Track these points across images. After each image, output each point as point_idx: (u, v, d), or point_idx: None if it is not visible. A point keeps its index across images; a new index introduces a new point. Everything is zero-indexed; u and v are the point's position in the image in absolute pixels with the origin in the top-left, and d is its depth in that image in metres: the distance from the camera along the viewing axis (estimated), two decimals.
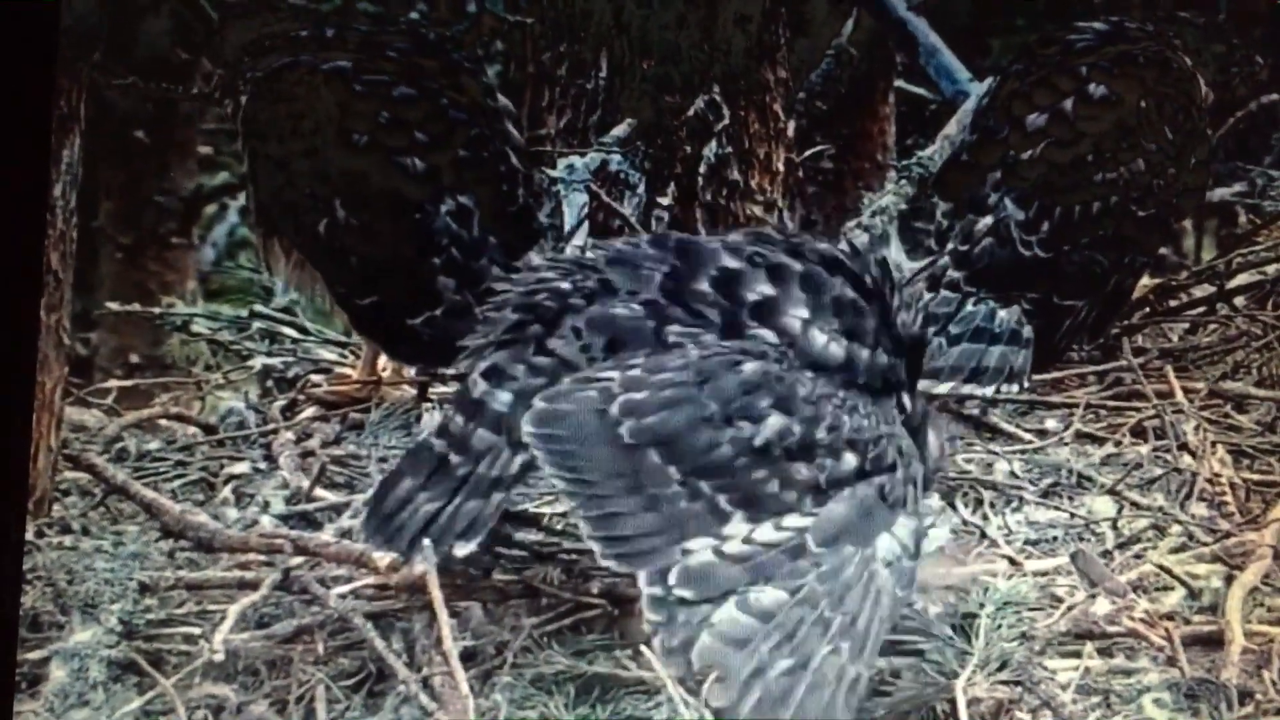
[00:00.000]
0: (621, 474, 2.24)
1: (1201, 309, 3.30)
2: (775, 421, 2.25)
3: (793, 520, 2.24)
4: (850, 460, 2.28)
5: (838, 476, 2.27)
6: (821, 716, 2.15)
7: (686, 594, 2.18)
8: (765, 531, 2.23)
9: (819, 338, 2.33)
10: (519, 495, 2.58)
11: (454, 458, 2.35)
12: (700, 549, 2.22)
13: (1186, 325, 3.28)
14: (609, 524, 2.24)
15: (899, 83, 3.71)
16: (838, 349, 2.33)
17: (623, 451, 2.24)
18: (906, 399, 2.41)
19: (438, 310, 2.88)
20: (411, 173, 2.88)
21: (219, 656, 2.31)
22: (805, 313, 2.33)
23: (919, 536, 2.30)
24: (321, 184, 2.88)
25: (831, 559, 2.22)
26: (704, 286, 2.34)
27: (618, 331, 2.33)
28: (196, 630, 2.40)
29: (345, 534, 2.58)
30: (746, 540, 2.22)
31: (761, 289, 2.34)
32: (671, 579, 2.19)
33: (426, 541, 2.33)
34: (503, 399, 2.34)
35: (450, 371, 2.92)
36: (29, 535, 2.55)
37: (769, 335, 2.32)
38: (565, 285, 2.37)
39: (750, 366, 2.28)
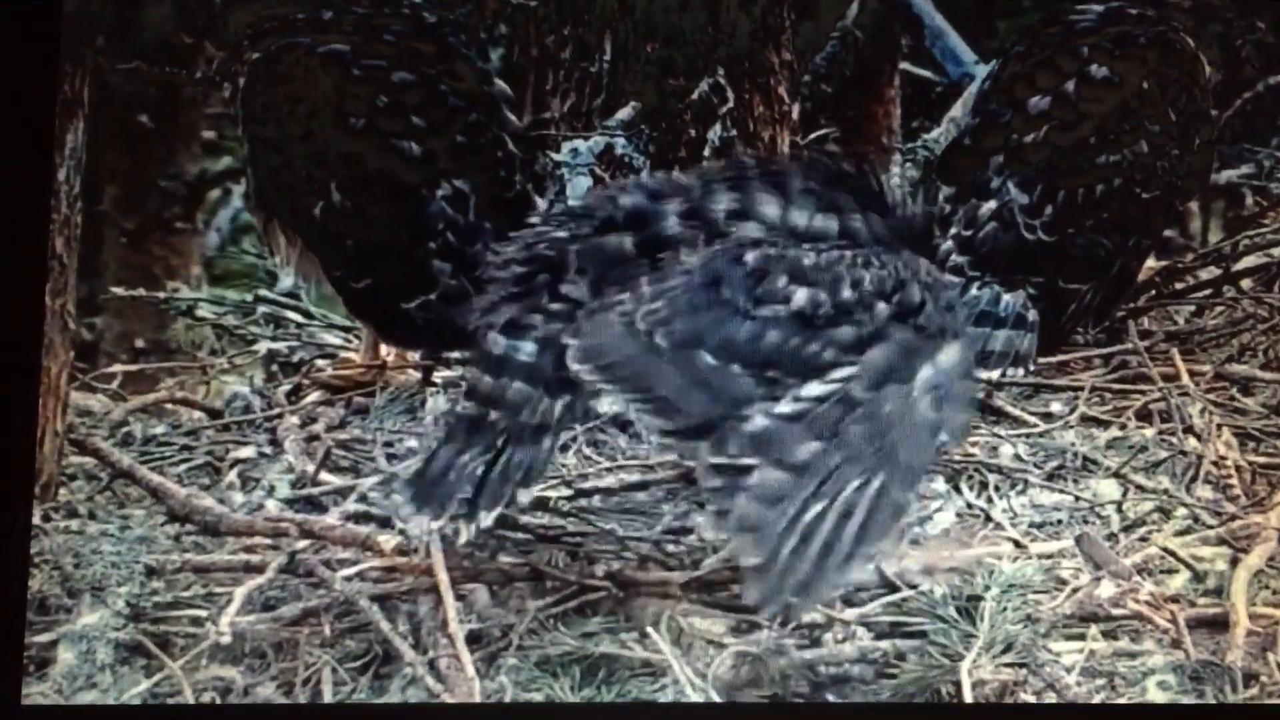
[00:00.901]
0: (684, 380, 2.29)
1: (1208, 291, 3.30)
2: (802, 294, 2.31)
3: (838, 372, 2.29)
4: (883, 309, 2.33)
5: (876, 329, 2.31)
6: (851, 544, 2.20)
7: (747, 461, 2.23)
8: (812, 387, 2.28)
9: (801, 218, 2.38)
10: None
11: (492, 414, 2.37)
12: (754, 413, 2.26)
13: (1192, 308, 3.28)
14: (674, 417, 2.29)
15: (904, 65, 3.69)
16: (825, 221, 2.38)
17: (676, 359, 2.29)
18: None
19: (432, 295, 2.89)
20: (408, 157, 2.89)
21: (225, 639, 2.35)
22: (776, 205, 2.38)
23: (967, 357, 2.37)
24: (318, 167, 2.89)
25: (875, 402, 2.28)
26: (673, 226, 2.38)
27: (610, 262, 2.38)
28: (203, 613, 2.43)
29: (350, 517, 2.60)
30: (796, 399, 2.27)
31: (725, 201, 2.39)
32: (732, 446, 2.24)
33: (434, 524, 2.36)
34: (527, 350, 2.37)
35: (455, 355, 2.94)
36: (36, 519, 2.57)
37: (751, 227, 2.36)
38: (562, 233, 2.41)
39: (752, 255, 2.33)
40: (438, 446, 2.42)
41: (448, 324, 2.86)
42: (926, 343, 2.32)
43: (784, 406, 2.27)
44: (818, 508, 2.21)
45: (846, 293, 2.32)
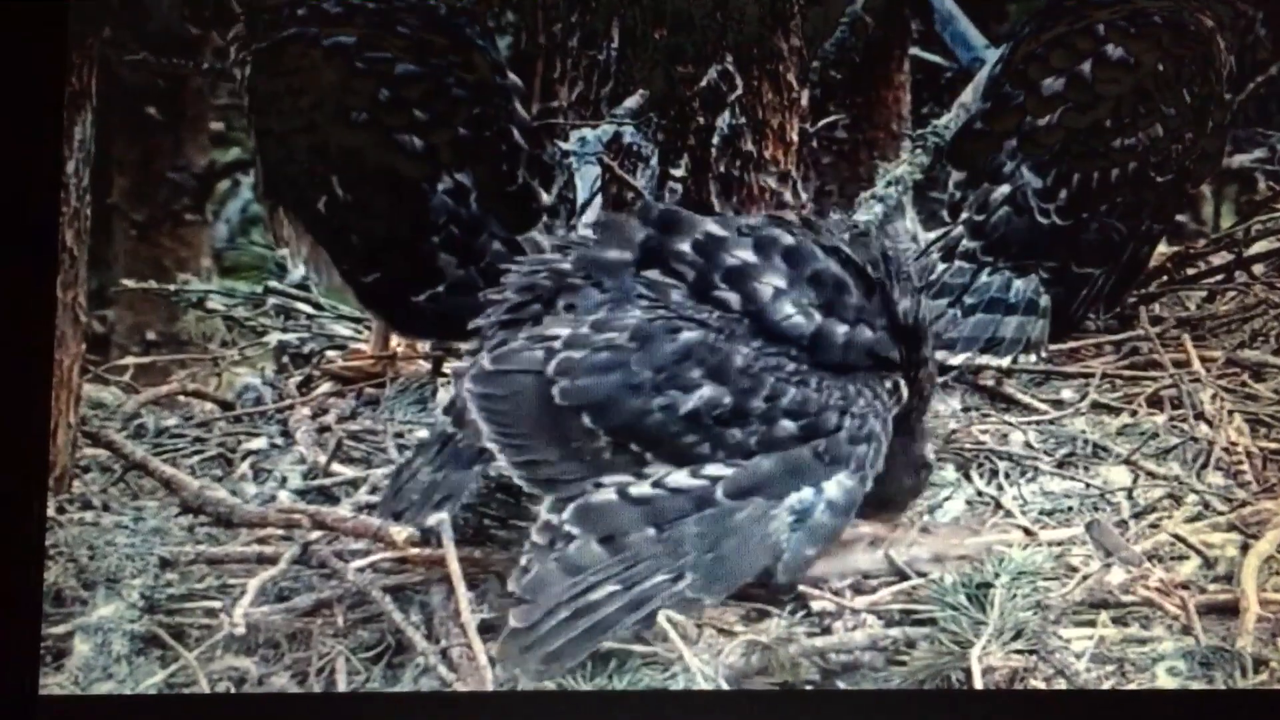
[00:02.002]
0: (550, 432, 2.34)
1: (1220, 277, 3.31)
2: (706, 392, 2.33)
3: (711, 469, 2.33)
4: (787, 426, 2.35)
5: (770, 439, 2.34)
6: (624, 629, 2.26)
7: (574, 530, 2.29)
8: (678, 477, 2.33)
9: (786, 308, 2.38)
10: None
11: (454, 430, 2.45)
12: (610, 484, 2.32)
13: (1204, 293, 3.29)
14: (533, 468, 2.35)
15: (914, 50, 3.69)
16: (804, 322, 2.38)
17: (554, 412, 2.34)
18: (903, 386, 2.45)
19: (440, 287, 2.92)
20: (409, 151, 2.91)
21: (240, 630, 2.38)
22: (781, 282, 2.39)
23: (852, 497, 2.36)
24: (320, 160, 2.92)
25: (730, 510, 2.31)
26: (684, 247, 2.41)
27: (603, 269, 2.42)
28: (217, 604, 2.46)
29: (362, 508, 2.63)
30: (656, 484, 2.32)
31: (741, 255, 2.41)
32: (567, 513, 2.30)
33: (445, 516, 2.41)
34: (484, 358, 2.42)
35: (464, 346, 2.98)
36: (50, 511, 2.61)
37: (734, 300, 2.38)
38: (565, 265, 2.45)
39: (687, 335, 2.35)
40: (415, 455, 2.50)
41: (458, 314, 2.88)
42: (819, 467, 2.35)
43: (638, 488, 2.32)
44: (609, 589, 2.28)
45: (755, 402, 2.34)
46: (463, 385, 2.44)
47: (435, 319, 2.94)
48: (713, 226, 2.44)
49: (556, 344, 2.37)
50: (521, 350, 2.39)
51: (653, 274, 2.40)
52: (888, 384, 2.43)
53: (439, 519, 2.40)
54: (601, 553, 2.29)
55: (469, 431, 2.42)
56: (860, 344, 2.40)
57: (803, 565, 2.37)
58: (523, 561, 2.31)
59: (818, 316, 2.39)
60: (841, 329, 2.39)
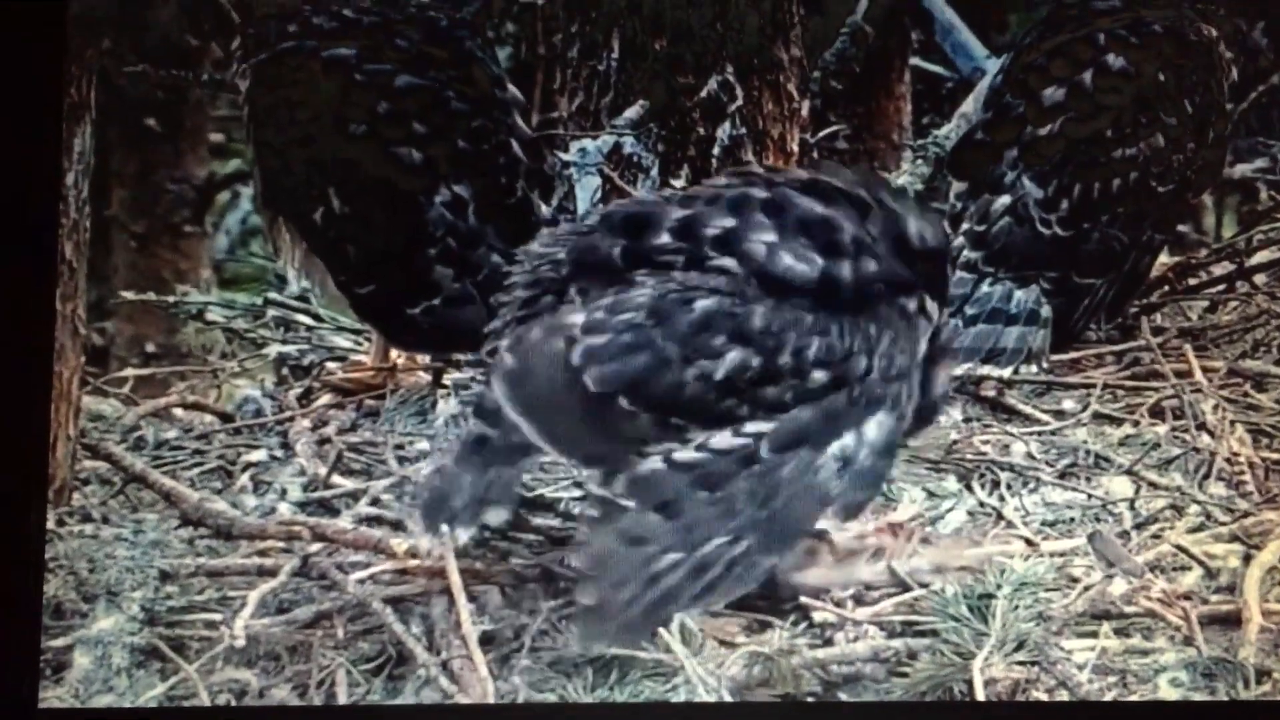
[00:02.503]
0: (593, 421, 2.33)
1: (1221, 287, 3.32)
2: (734, 356, 2.33)
3: (752, 427, 2.33)
4: (819, 376, 2.35)
5: (805, 392, 2.34)
6: (694, 598, 2.27)
7: (629, 502, 2.29)
8: (722, 438, 2.33)
9: (785, 259, 2.37)
10: (534, 480, 2.66)
11: (490, 431, 2.42)
12: (654, 453, 2.32)
13: (1206, 304, 3.30)
14: (582, 455, 2.37)
15: (915, 61, 3.72)
16: (808, 268, 2.36)
17: (592, 401, 2.33)
18: (931, 305, 2.44)
19: (436, 300, 2.93)
20: (407, 164, 2.92)
21: (240, 642, 2.39)
22: (770, 236, 2.38)
23: (892, 434, 2.37)
24: (317, 173, 2.93)
25: (776, 463, 2.32)
26: (663, 240, 2.40)
27: (595, 267, 2.41)
28: (217, 616, 2.47)
29: (363, 520, 2.64)
30: (700, 447, 2.32)
31: (720, 222, 2.40)
32: (618, 485, 2.30)
33: (444, 527, 2.41)
34: (505, 357, 2.40)
35: (465, 357, 2.99)
36: (50, 524, 2.61)
37: (732, 264, 2.37)
38: (562, 254, 2.45)
39: (702, 304, 2.35)
40: (447, 462, 2.47)
41: (454, 327, 2.91)
42: (856, 410, 2.35)
43: (683, 454, 2.32)
44: (673, 558, 2.29)
45: (783, 359, 2.33)
46: (492, 386, 2.43)
47: (430, 331, 2.95)
48: (678, 211, 2.42)
49: (575, 332, 2.36)
50: (541, 343, 2.38)
51: (644, 271, 2.40)
52: (911, 304, 2.42)
53: (500, 517, 2.42)
54: (658, 520, 2.29)
55: (506, 429, 2.40)
56: (870, 276, 2.38)
57: (855, 511, 2.40)
58: (581, 536, 2.33)
59: (819, 260, 2.37)
60: (845, 266, 2.38)
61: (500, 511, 2.42)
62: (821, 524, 2.42)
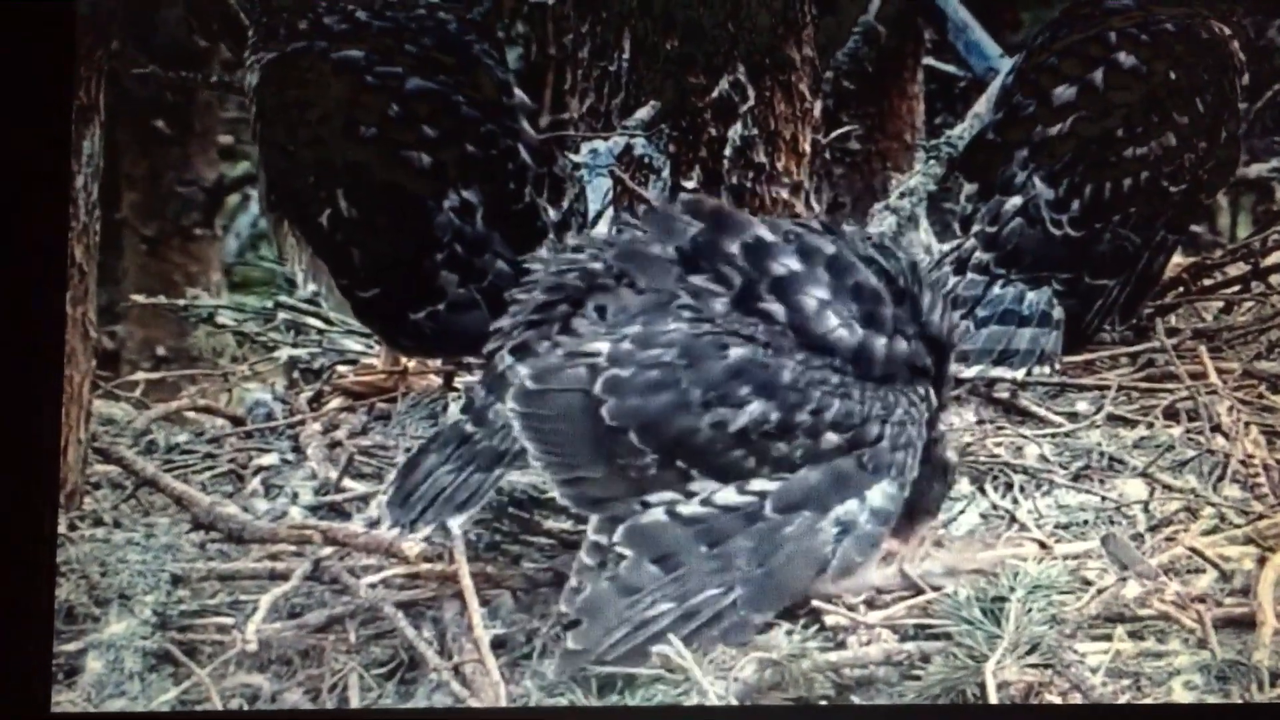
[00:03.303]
0: (596, 450, 2.36)
1: (1236, 287, 3.32)
2: (755, 408, 2.36)
3: (757, 484, 2.36)
4: (832, 439, 2.38)
5: (815, 452, 2.37)
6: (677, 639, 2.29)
7: (627, 552, 2.32)
8: (727, 494, 2.36)
9: (831, 320, 2.41)
10: (547, 484, 2.68)
11: (473, 430, 2.46)
12: (657, 504, 2.34)
13: (1221, 305, 3.30)
14: (578, 485, 2.37)
15: (928, 60, 3.71)
16: (848, 335, 2.41)
17: (601, 431, 2.35)
18: (933, 394, 2.49)
19: (440, 305, 2.95)
20: (416, 168, 2.93)
21: (252, 646, 2.42)
22: (825, 294, 2.42)
23: (894, 502, 2.40)
24: (325, 175, 2.94)
25: (779, 523, 2.35)
26: (734, 249, 2.43)
27: (642, 264, 2.43)
28: (229, 620, 2.50)
29: (374, 524, 2.65)
30: (705, 502, 2.35)
31: (788, 262, 2.43)
32: (617, 535, 2.33)
33: (456, 530, 2.44)
34: (522, 373, 2.43)
35: (474, 360, 2.99)
36: (61, 528, 2.64)
37: (779, 311, 2.40)
38: (596, 265, 2.47)
39: (736, 352, 2.38)
40: (425, 451, 2.51)
41: (456, 333, 2.93)
42: (863, 476, 2.39)
43: (687, 508, 2.35)
44: (663, 608, 2.32)
45: (801, 416, 2.37)
46: (479, 389, 2.47)
47: (433, 336, 2.97)
48: (762, 230, 2.46)
49: (600, 360, 2.38)
50: (563, 368, 2.40)
51: (698, 279, 2.42)
52: (920, 390, 2.47)
53: (460, 520, 2.44)
54: (656, 572, 2.33)
55: (490, 432, 2.43)
56: (899, 355, 2.44)
57: (848, 574, 2.41)
58: (573, 582, 2.34)
59: (859, 329, 2.42)
60: (881, 341, 2.43)
61: (459, 517, 2.44)
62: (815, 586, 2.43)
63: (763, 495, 2.37)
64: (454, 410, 2.96)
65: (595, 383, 2.37)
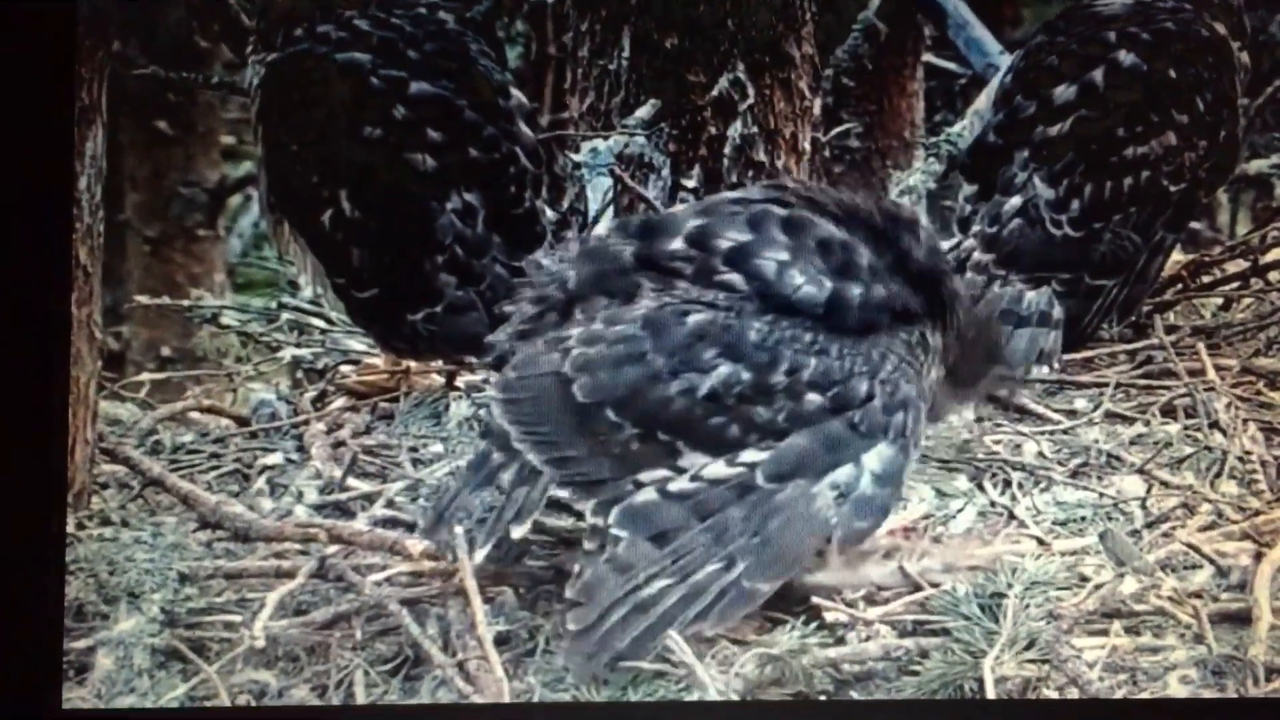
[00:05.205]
0: (577, 429, 2.40)
1: (1235, 284, 3.34)
2: (722, 370, 2.39)
3: (747, 455, 2.39)
4: (813, 399, 2.40)
5: (799, 414, 2.39)
6: (686, 624, 2.32)
7: (622, 533, 2.36)
8: (716, 468, 2.39)
9: (796, 279, 2.43)
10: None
11: (496, 454, 2.51)
12: (650, 483, 2.39)
13: (1219, 302, 3.33)
14: (565, 464, 2.42)
15: (927, 57, 3.73)
16: (816, 290, 2.43)
17: (579, 410, 2.41)
18: (930, 335, 2.50)
19: (438, 307, 3.00)
20: (420, 170, 2.98)
21: (259, 643, 2.47)
22: (784, 255, 2.45)
23: (895, 465, 2.41)
24: (329, 175, 2.98)
25: (772, 491, 2.37)
26: (675, 245, 2.47)
27: (604, 274, 2.48)
28: (236, 618, 2.54)
29: (378, 522, 2.71)
30: (695, 477, 2.38)
31: (735, 235, 2.46)
32: (612, 516, 2.37)
33: (459, 530, 2.48)
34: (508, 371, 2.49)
35: (475, 360, 3.02)
36: (70, 528, 2.68)
37: (737, 280, 2.43)
38: (570, 274, 2.52)
39: (696, 318, 2.41)
40: (456, 481, 2.56)
41: (453, 334, 2.98)
42: (857, 440, 2.40)
43: (678, 484, 2.39)
44: (663, 584, 2.35)
45: (776, 376, 2.39)
46: (489, 390, 2.52)
47: (428, 338, 3.01)
48: (696, 219, 2.49)
49: (571, 342, 2.43)
50: (540, 355, 2.46)
51: (654, 275, 2.46)
52: (913, 337, 2.48)
53: (520, 532, 2.48)
54: (651, 550, 2.36)
55: (498, 443, 2.48)
56: (875, 302, 2.44)
57: (857, 539, 2.43)
58: (575, 569, 2.39)
59: (829, 283, 2.43)
60: (856, 290, 2.43)
61: (521, 528, 2.48)
62: (821, 551, 2.45)
63: (753, 466, 2.39)
64: (460, 408, 3.01)
65: (565, 363, 2.42)
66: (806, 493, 2.39)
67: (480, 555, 2.46)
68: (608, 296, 2.49)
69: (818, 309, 2.42)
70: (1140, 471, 2.82)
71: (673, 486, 2.39)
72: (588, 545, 2.41)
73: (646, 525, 2.38)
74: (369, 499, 2.81)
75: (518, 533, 2.48)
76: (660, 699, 2.37)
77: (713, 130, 3.32)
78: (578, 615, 2.35)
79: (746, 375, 2.39)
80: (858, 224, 2.49)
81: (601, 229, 2.65)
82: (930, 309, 2.51)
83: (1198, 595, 2.54)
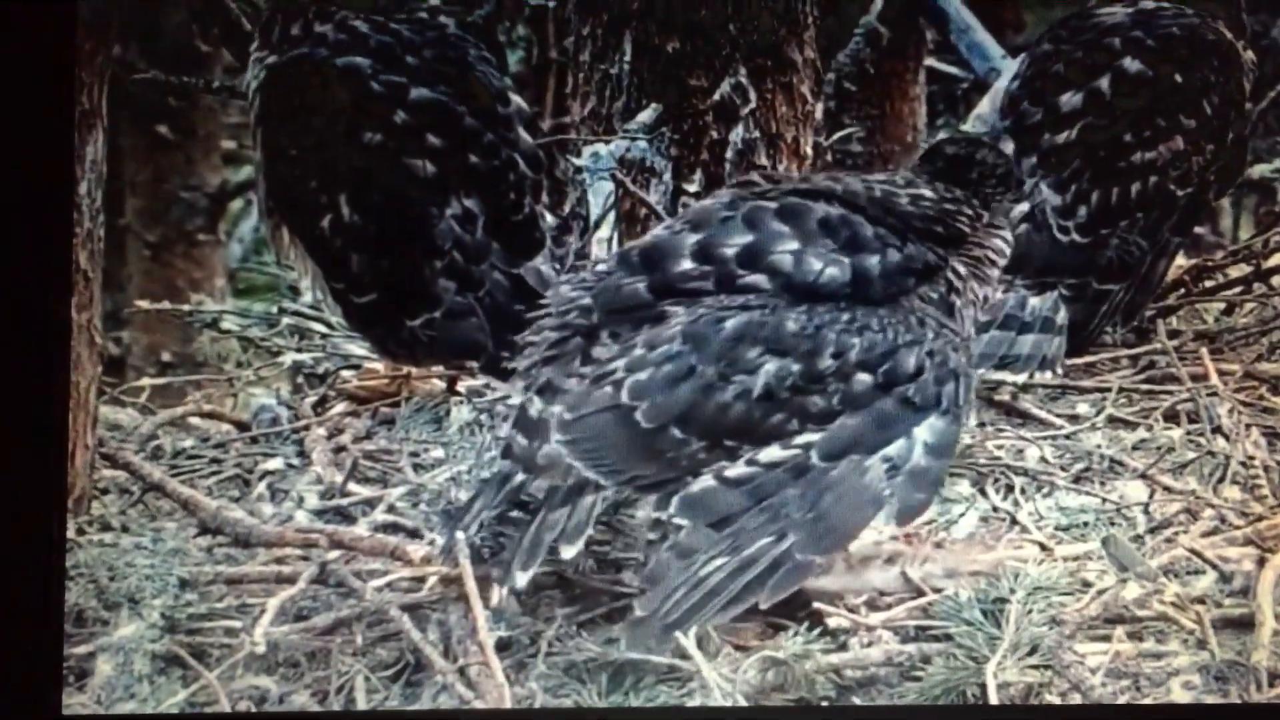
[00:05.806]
0: (645, 453, 2.44)
1: (1238, 289, 3.34)
2: (770, 367, 2.42)
3: (802, 438, 2.42)
4: (863, 379, 2.43)
5: (852, 396, 2.42)
6: (738, 593, 2.36)
7: (683, 521, 2.39)
8: (772, 452, 2.42)
9: (815, 264, 2.47)
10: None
11: (519, 475, 2.52)
12: (706, 472, 2.42)
13: (1222, 306, 3.33)
14: (634, 482, 2.46)
15: (930, 61, 3.73)
16: (837, 271, 2.46)
17: (645, 435, 2.43)
18: (951, 273, 2.53)
19: (437, 313, 3.00)
20: (420, 175, 2.99)
21: (260, 649, 2.49)
22: (794, 244, 2.48)
23: (948, 436, 2.44)
24: (328, 180, 2.99)
25: (826, 469, 2.40)
26: (685, 266, 2.50)
27: (627, 310, 2.51)
28: (237, 623, 2.56)
29: (379, 528, 2.72)
30: (750, 461, 2.41)
31: (738, 239, 2.49)
32: (673, 506, 2.40)
33: (460, 535, 2.50)
34: (557, 411, 2.51)
35: (475, 365, 3.05)
36: (70, 533, 2.69)
37: (761, 280, 2.47)
38: (589, 300, 2.55)
39: (732, 322, 2.44)
40: (473, 500, 2.58)
41: (451, 340, 2.99)
42: (909, 414, 2.43)
43: (734, 470, 2.42)
44: (719, 562, 2.38)
45: (825, 362, 2.42)
46: (518, 437, 2.54)
47: (427, 343, 3.02)
48: (693, 235, 2.52)
49: (618, 373, 2.46)
50: (589, 393, 2.48)
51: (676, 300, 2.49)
52: (940, 288, 2.52)
53: (572, 552, 2.49)
54: (711, 534, 2.40)
55: (551, 474, 2.49)
56: (893, 266, 2.48)
57: (917, 510, 2.46)
58: (640, 558, 2.44)
59: (846, 259, 2.47)
60: (873, 260, 2.47)
61: (573, 547, 2.49)
62: (874, 526, 2.47)
63: (808, 447, 2.41)
64: (461, 413, 3.03)
65: (621, 394, 2.45)
66: (860, 466, 2.41)
67: (525, 579, 2.48)
68: (633, 326, 2.51)
69: (845, 288, 2.45)
70: (1143, 477, 2.83)
71: (730, 473, 2.42)
72: (650, 535, 2.44)
73: (707, 512, 2.41)
74: (370, 504, 2.82)
75: (569, 553, 2.49)
76: (662, 704, 2.39)
77: (715, 134, 3.31)
78: (643, 602, 2.38)
79: (796, 366, 2.42)
80: (847, 196, 2.52)
81: (603, 266, 2.66)
82: (947, 245, 2.53)
83: (1201, 601, 2.55)
